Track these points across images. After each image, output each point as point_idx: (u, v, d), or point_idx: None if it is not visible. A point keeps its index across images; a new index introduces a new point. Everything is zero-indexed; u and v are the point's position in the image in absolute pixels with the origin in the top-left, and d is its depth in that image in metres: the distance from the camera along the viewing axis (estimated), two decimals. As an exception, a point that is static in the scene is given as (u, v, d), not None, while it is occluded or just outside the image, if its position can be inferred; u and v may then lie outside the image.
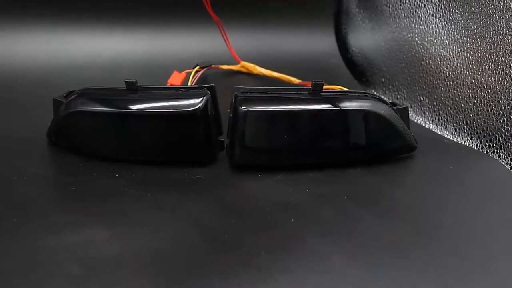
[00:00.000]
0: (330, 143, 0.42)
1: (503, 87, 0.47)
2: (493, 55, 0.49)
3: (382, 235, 0.34)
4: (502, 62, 0.47)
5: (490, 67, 0.49)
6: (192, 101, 0.41)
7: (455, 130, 0.54)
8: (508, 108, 0.47)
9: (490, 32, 0.49)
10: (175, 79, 0.59)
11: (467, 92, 0.52)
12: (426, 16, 0.59)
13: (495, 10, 0.48)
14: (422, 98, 0.60)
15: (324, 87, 0.43)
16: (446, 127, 0.56)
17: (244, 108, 0.40)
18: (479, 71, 0.51)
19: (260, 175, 0.41)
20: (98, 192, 0.38)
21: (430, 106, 0.59)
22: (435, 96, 0.58)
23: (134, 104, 0.41)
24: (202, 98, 0.41)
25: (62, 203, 0.37)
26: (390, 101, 0.46)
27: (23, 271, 0.29)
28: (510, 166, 0.47)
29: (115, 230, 0.33)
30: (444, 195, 0.40)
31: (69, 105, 0.43)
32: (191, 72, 0.59)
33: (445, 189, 0.41)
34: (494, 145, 0.49)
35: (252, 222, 0.35)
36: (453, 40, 0.54)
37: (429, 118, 0.59)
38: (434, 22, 0.57)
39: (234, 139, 0.41)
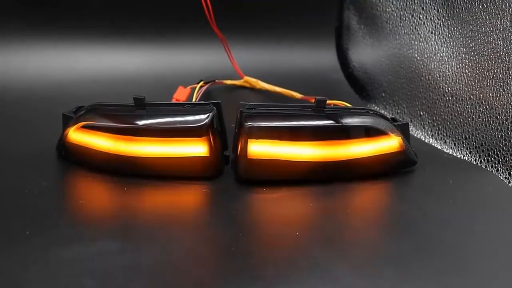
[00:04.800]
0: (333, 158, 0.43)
1: (501, 103, 0.48)
2: (491, 72, 0.50)
3: (385, 249, 0.35)
4: (499, 79, 0.49)
5: (488, 84, 0.50)
6: (198, 117, 0.42)
7: (454, 144, 0.55)
8: (506, 124, 0.48)
9: (488, 49, 0.50)
10: (180, 94, 0.60)
11: (466, 107, 0.53)
12: (426, 33, 0.60)
13: (493, 28, 0.49)
14: (422, 113, 0.61)
15: (328, 102, 0.44)
16: (445, 141, 0.57)
17: (250, 123, 0.41)
18: (477, 87, 0.52)
19: (265, 189, 0.42)
20: (107, 206, 0.39)
21: (429, 121, 0.60)
22: (435, 111, 0.59)
23: (142, 119, 0.42)
24: (209, 114, 0.42)
25: (73, 216, 0.38)
26: (391, 116, 0.47)
27: (37, 284, 0.30)
28: (508, 180, 0.48)
29: (124, 244, 0.34)
30: (444, 209, 0.41)
31: (78, 120, 0.44)
32: (195, 87, 0.60)
33: (445, 203, 0.42)
34: (492, 159, 0.50)
35: (258, 236, 0.36)
36: (452, 57, 0.56)
37: (429, 132, 0.60)
38: (433, 39, 0.59)
39: (239, 154, 0.42)
